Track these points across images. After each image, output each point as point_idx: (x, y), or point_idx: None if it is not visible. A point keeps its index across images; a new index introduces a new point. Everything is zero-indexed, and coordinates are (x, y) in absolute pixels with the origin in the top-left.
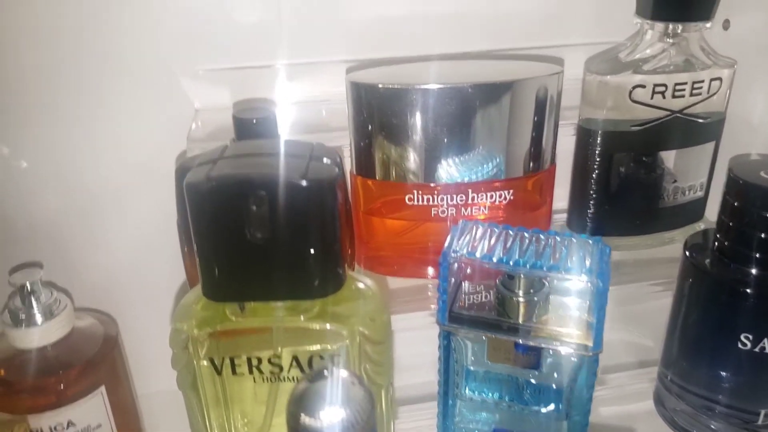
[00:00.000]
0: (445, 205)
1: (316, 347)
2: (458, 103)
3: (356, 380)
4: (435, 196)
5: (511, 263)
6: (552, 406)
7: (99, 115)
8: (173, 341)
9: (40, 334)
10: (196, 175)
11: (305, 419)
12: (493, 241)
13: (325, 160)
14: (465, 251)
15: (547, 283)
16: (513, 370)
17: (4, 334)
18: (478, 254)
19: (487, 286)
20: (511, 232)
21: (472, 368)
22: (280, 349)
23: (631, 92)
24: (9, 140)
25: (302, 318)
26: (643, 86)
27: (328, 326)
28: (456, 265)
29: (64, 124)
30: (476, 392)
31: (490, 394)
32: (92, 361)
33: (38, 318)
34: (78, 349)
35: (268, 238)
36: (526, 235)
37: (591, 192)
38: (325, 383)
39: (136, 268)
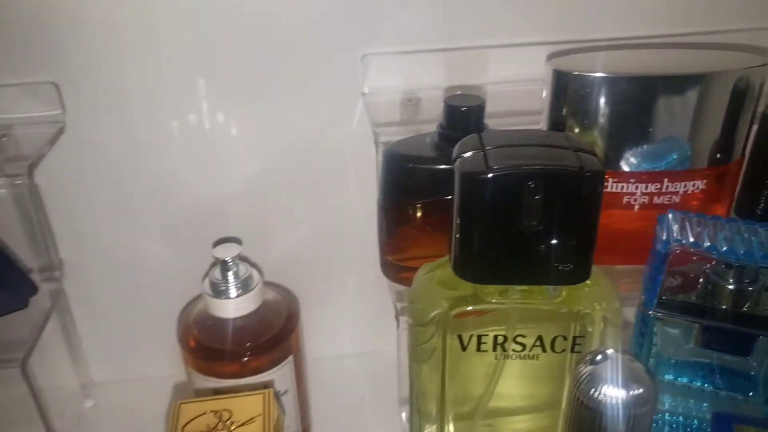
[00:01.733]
0: (639, 193)
1: (561, 329)
2: (655, 93)
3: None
4: (629, 184)
5: (741, 255)
6: (751, 393)
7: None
8: (420, 318)
9: (234, 306)
10: (471, 164)
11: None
12: (711, 231)
13: (583, 151)
14: (688, 241)
15: (761, 274)
16: (719, 357)
17: (204, 299)
18: (704, 244)
19: (691, 274)
20: (725, 223)
21: (667, 355)
22: (518, 329)
23: None
24: (225, 108)
25: (552, 301)
26: None
27: (576, 310)
28: (672, 254)
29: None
30: (675, 378)
31: (687, 380)
32: (278, 335)
33: (234, 291)
34: (266, 322)
35: (537, 226)
36: (741, 226)
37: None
38: (617, 363)
39: (321, 244)
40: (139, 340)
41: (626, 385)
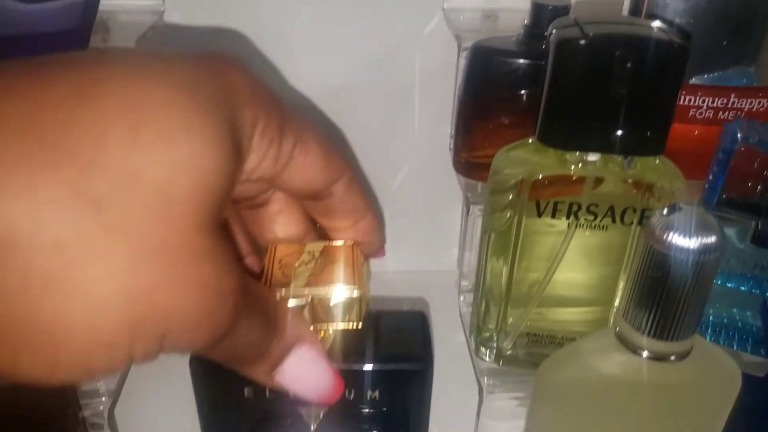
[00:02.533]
0: (705, 107)
1: (631, 201)
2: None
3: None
4: (696, 97)
5: None
6: None
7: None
8: (501, 185)
9: None
10: (566, 33)
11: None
12: None
13: (670, 32)
14: (754, 140)
15: None
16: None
17: None
18: None
19: (751, 179)
20: None
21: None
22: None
23: None
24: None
25: (626, 172)
26: None
27: (647, 182)
28: (737, 151)
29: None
30: (724, 283)
31: (735, 285)
32: None
33: None
34: None
35: (625, 94)
36: None
37: None
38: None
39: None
40: None
41: (698, 233)
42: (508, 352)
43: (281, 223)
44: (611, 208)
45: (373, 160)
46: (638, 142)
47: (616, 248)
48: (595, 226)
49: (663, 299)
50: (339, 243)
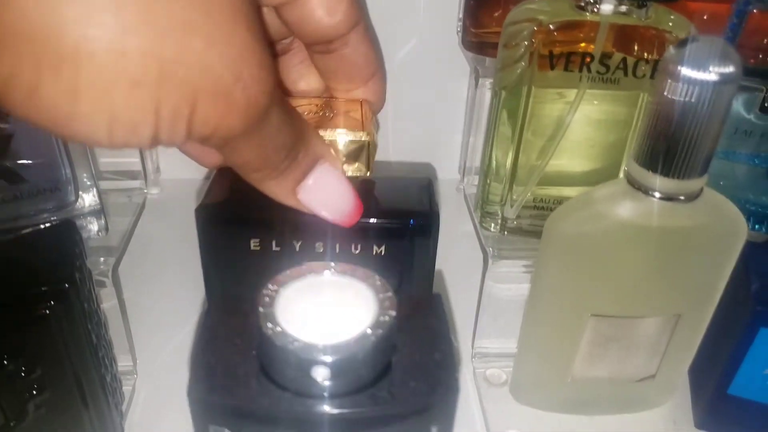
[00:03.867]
0: None
1: (645, 51)
2: None
3: None
4: None
5: None
6: None
7: None
8: (511, 37)
9: None
10: None
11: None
12: None
13: None
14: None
15: None
16: None
17: None
18: None
19: (761, 44)
20: None
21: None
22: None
23: None
24: None
25: (641, 20)
26: None
27: (662, 29)
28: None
29: None
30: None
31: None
32: None
33: None
34: None
35: None
36: None
37: None
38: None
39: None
40: None
41: (715, 61)
42: (513, 223)
43: (301, 73)
44: (624, 60)
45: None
46: None
47: (624, 116)
48: (607, 79)
49: (676, 133)
50: (348, 99)
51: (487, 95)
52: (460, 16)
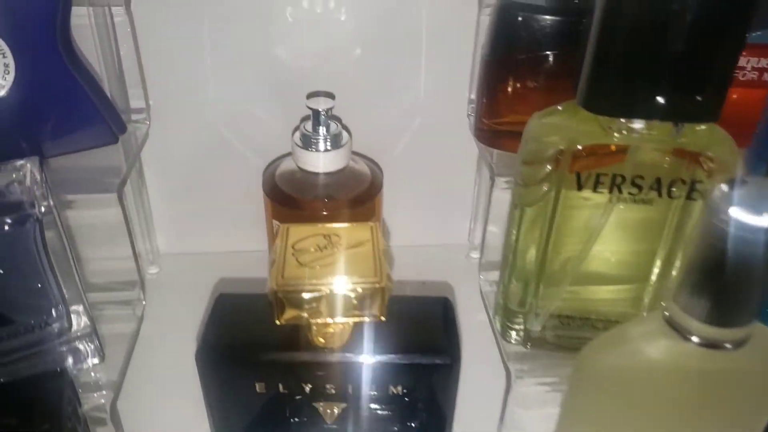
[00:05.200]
0: (749, 68)
1: (681, 172)
2: None
3: None
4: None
5: None
6: None
7: None
8: (534, 155)
9: (324, 160)
10: None
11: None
12: None
13: None
14: None
15: None
16: None
17: (293, 153)
18: None
19: None
20: None
21: None
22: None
23: None
24: None
25: (677, 140)
26: None
27: (700, 151)
28: None
29: None
30: None
31: None
32: (365, 193)
33: (323, 145)
34: (353, 180)
35: (682, 50)
36: None
37: None
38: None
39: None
40: (213, 210)
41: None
42: (536, 335)
43: None
44: (658, 181)
45: (374, 121)
46: (692, 107)
47: (655, 223)
48: (639, 200)
49: (721, 281)
50: (356, 225)
51: (498, 194)
52: (472, 97)
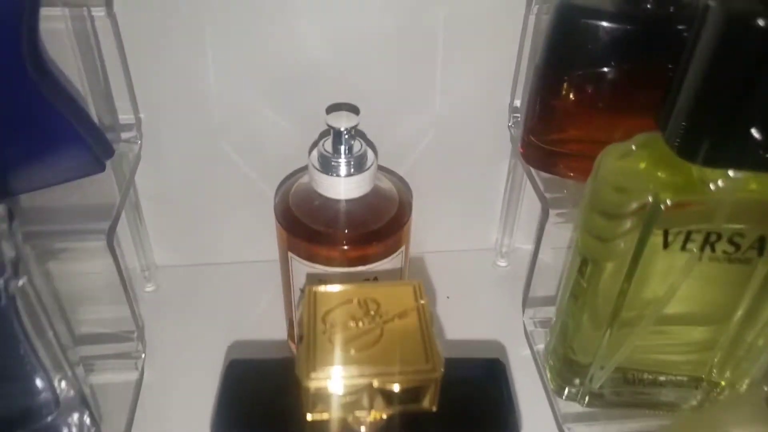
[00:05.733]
0: None
1: None
2: None
3: None
4: None
5: None
6: None
7: None
8: (615, 208)
9: (345, 186)
10: (735, 5)
11: None
12: None
13: None
14: None
15: None
16: None
17: (310, 175)
18: None
19: None
20: None
21: None
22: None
23: None
24: None
25: None
26: None
27: None
28: None
29: None
30: None
31: None
32: (392, 223)
33: (346, 169)
34: (379, 208)
35: None
36: None
37: None
38: None
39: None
40: (211, 219)
41: None
42: (594, 390)
43: None
44: (761, 239)
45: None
46: None
47: (736, 276)
48: (734, 260)
49: None
50: (397, 285)
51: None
52: (515, 104)
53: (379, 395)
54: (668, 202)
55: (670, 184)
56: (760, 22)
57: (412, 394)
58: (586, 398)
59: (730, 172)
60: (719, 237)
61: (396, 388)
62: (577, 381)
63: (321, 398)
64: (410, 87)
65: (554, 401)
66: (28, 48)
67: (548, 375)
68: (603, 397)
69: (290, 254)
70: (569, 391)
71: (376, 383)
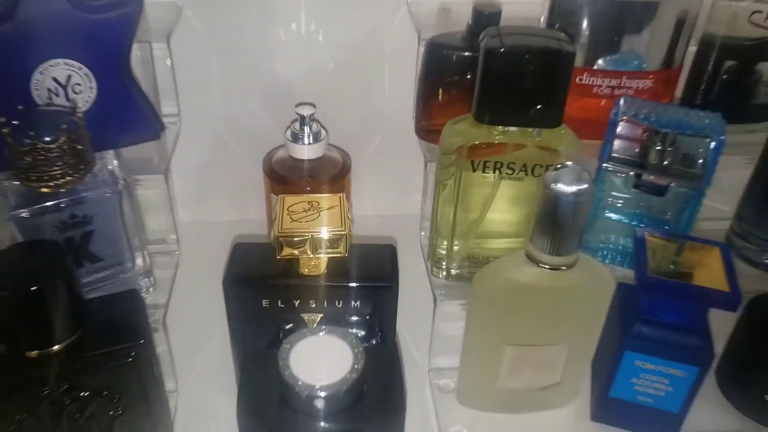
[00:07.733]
0: (604, 86)
1: (539, 159)
2: (623, 17)
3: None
4: (597, 78)
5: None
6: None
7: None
8: (447, 148)
9: (307, 150)
10: (491, 44)
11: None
12: (650, 110)
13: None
14: (635, 114)
15: (679, 139)
16: (647, 203)
17: (285, 145)
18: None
19: (633, 140)
20: (665, 106)
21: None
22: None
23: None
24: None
25: (535, 139)
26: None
27: (550, 146)
28: (624, 125)
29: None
30: (618, 218)
31: (627, 219)
32: (338, 174)
33: (307, 139)
34: (329, 164)
35: (533, 86)
36: (677, 108)
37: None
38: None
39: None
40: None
41: (574, 182)
42: (455, 272)
43: None
44: (524, 165)
45: (352, 126)
46: (542, 119)
47: (531, 195)
48: (513, 178)
49: (555, 227)
50: (330, 196)
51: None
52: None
53: (317, 244)
54: (470, 143)
55: (473, 134)
56: (501, 50)
57: (334, 243)
58: (450, 278)
59: (510, 128)
60: (502, 164)
61: (324, 235)
62: (443, 267)
63: (285, 245)
64: (352, 96)
65: (431, 278)
66: (125, 63)
67: (429, 265)
68: (462, 276)
69: (272, 195)
70: (440, 273)
71: (314, 235)
